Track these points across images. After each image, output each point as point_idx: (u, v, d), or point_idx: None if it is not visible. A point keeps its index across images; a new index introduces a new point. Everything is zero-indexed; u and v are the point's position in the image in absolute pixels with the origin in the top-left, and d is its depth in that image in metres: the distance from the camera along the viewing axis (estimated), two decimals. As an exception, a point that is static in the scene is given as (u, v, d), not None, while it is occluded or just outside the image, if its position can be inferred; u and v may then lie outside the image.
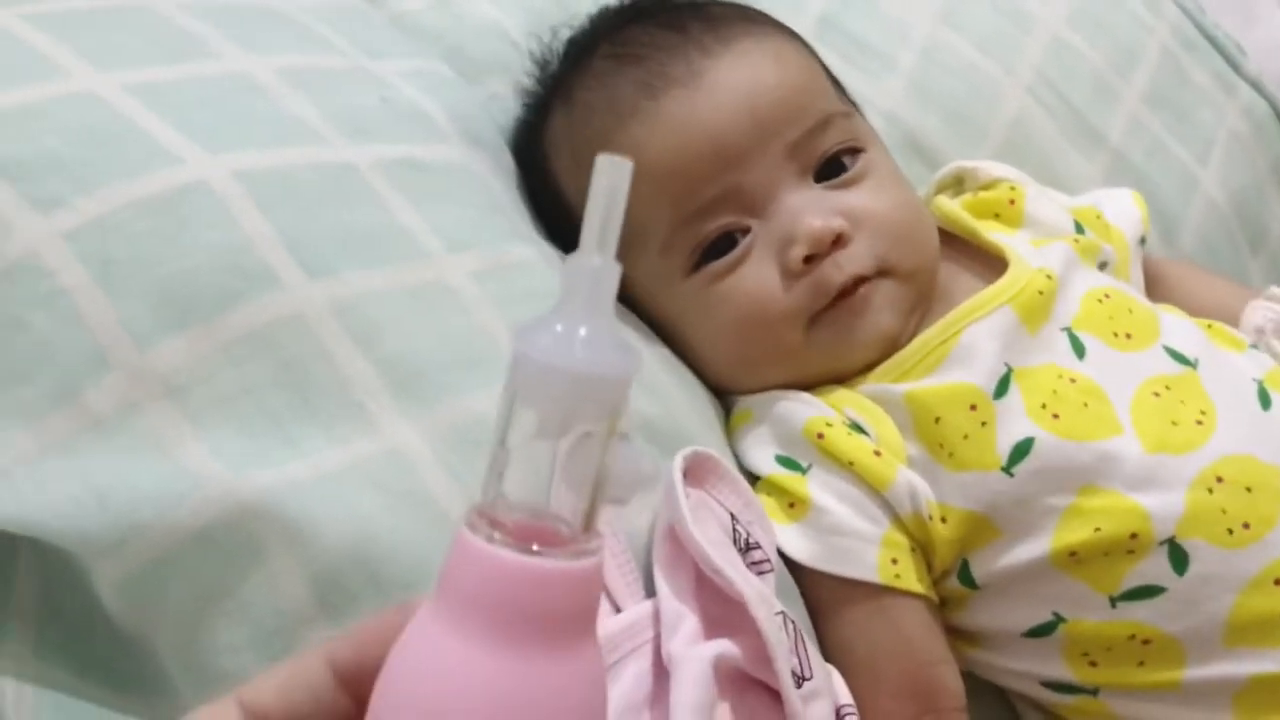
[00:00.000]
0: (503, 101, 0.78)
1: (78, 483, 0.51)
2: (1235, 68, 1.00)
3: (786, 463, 0.64)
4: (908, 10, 0.91)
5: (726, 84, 0.66)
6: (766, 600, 0.53)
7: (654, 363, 0.65)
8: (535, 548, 0.33)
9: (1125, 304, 0.69)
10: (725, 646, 0.52)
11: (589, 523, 0.34)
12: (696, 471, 0.58)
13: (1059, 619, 0.63)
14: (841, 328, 0.66)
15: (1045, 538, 0.62)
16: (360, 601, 0.51)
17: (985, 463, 0.62)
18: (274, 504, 0.51)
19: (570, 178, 0.70)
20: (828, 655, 0.61)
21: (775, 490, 0.64)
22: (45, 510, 0.51)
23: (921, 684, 0.62)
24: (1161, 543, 0.61)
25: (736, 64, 0.67)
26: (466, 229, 0.63)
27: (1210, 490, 0.61)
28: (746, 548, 0.58)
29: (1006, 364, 0.65)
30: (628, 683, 0.51)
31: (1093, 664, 0.63)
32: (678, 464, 0.56)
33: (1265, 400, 0.66)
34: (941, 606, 0.65)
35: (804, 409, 0.65)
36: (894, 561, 0.62)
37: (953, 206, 0.75)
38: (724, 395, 0.70)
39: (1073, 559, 0.61)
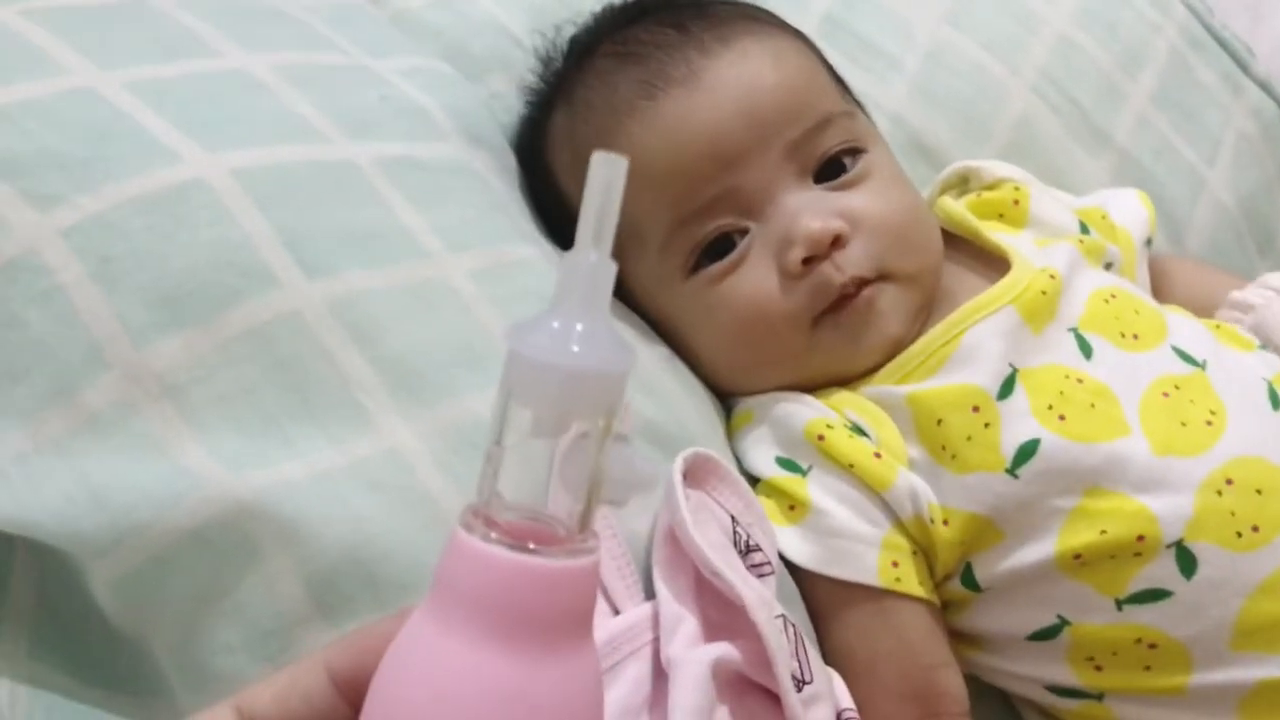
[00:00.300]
0: (504, 99, 0.77)
1: (73, 482, 0.51)
2: (1244, 68, 1.00)
3: (787, 464, 0.64)
4: (913, 10, 0.90)
5: (725, 84, 0.66)
6: (766, 603, 0.53)
7: (655, 363, 0.65)
8: (531, 546, 0.33)
9: (1132, 304, 0.69)
10: (725, 650, 0.52)
11: (585, 523, 0.34)
12: (697, 473, 0.58)
13: (1064, 622, 0.62)
14: (846, 332, 0.65)
15: (1050, 540, 0.61)
16: (357, 602, 0.51)
17: (989, 464, 0.62)
18: (271, 504, 0.51)
19: (571, 176, 0.70)
20: (829, 659, 0.61)
21: (775, 492, 0.64)
22: (40, 510, 0.50)
23: (923, 687, 0.62)
24: (1169, 546, 0.60)
25: (736, 64, 0.66)
26: (467, 228, 0.62)
27: (1219, 493, 0.61)
28: (747, 550, 0.57)
29: (1011, 364, 0.64)
30: (626, 685, 0.51)
31: (1098, 668, 0.63)
32: (678, 465, 0.56)
33: (1275, 401, 0.65)
34: (944, 609, 0.65)
35: (805, 411, 0.65)
36: (895, 564, 0.62)
37: (956, 207, 0.75)
38: (725, 396, 0.69)
39: (1078, 562, 0.61)
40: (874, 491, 0.62)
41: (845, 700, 0.57)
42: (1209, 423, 0.63)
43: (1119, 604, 0.61)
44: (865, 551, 0.62)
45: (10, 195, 0.54)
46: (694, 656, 0.51)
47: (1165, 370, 0.65)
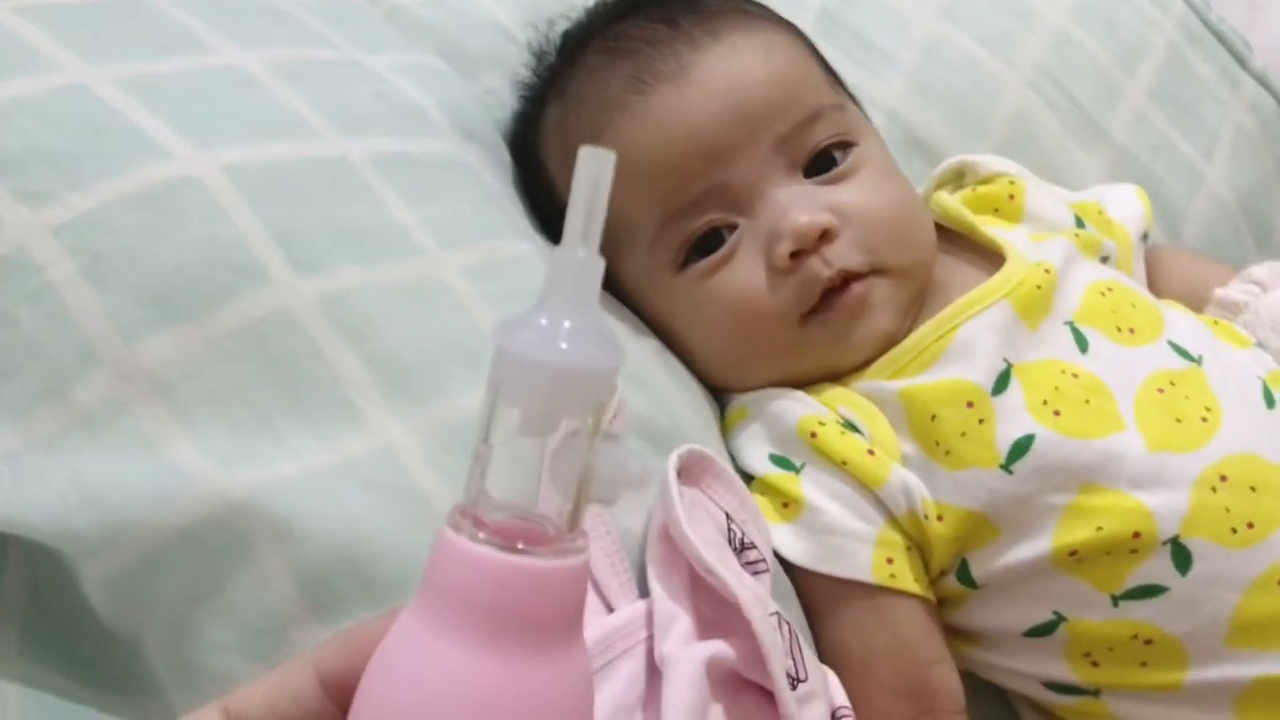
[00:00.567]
0: (498, 95, 0.77)
1: (65, 480, 0.51)
2: (1241, 63, 1.00)
3: (780, 462, 0.64)
4: (909, 5, 0.90)
5: (713, 79, 0.65)
6: (761, 601, 0.53)
7: (648, 358, 0.65)
8: (520, 546, 0.32)
9: (1128, 298, 0.69)
10: (719, 648, 0.51)
11: (574, 522, 0.34)
12: (691, 470, 0.58)
13: (1060, 618, 0.62)
14: (837, 327, 0.65)
15: (1045, 537, 0.61)
16: (349, 601, 0.51)
17: (983, 460, 0.62)
18: (263, 502, 0.51)
19: (563, 171, 0.70)
20: (824, 656, 0.61)
21: (769, 490, 0.63)
22: (32, 508, 0.50)
23: (918, 684, 0.61)
24: (1165, 542, 0.60)
25: (725, 58, 0.66)
26: (460, 224, 0.62)
27: (1214, 489, 0.61)
28: (742, 547, 0.57)
29: (1006, 359, 0.64)
30: (620, 684, 0.51)
31: (1094, 664, 0.62)
32: (672, 463, 0.56)
33: (1270, 399, 0.65)
34: (940, 606, 0.65)
35: (797, 407, 0.65)
36: (889, 561, 0.62)
37: (951, 201, 0.74)
38: (719, 392, 0.69)
39: (1073, 558, 0.61)
40: (867, 488, 0.62)
41: (840, 698, 0.57)
42: (1204, 419, 0.63)
43: (1115, 600, 0.61)
44: (859, 548, 0.62)
45: (0, 193, 0.54)
46: (688, 654, 0.50)
47: (1161, 365, 0.65)
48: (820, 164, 0.67)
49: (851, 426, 0.64)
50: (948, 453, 0.63)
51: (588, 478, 0.34)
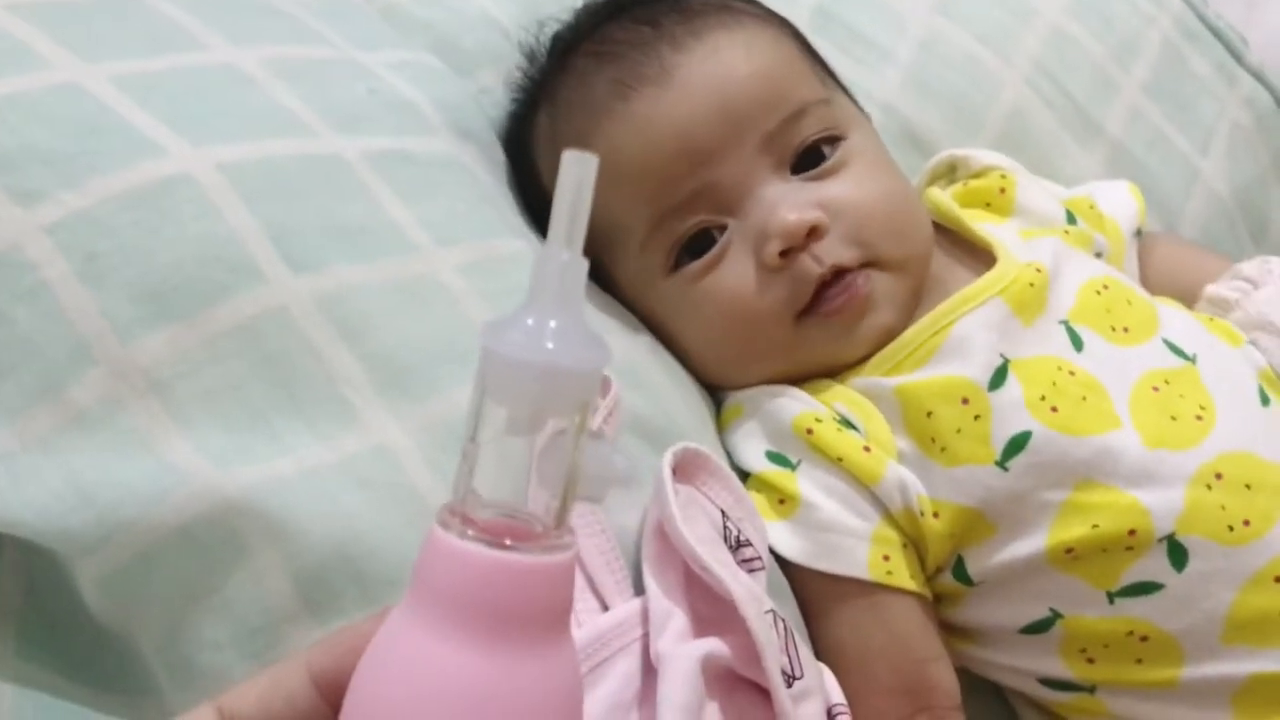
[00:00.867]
0: (493, 94, 0.77)
1: (60, 479, 0.51)
2: (1237, 58, 0.99)
3: (776, 459, 0.64)
4: (904, 1, 0.90)
5: (697, 80, 0.65)
6: (756, 598, 0.53)
7: (644, 357, 0.65)
8: (508, 543, 0.33)
9: (1124, 295, 0.69)
10: (714, 645, 0.51)
11: (561, 519, 0.34)
12: (687, 468, 0.58)
13: (1056, 615, 0.62)
14: (836, 323, 0.65)
15: (1041, 534, 0.61)
16: (345, 599, 0.51)
17: (978, 457, 0.62)
18: (258, 500, 0.51)
19: (554, 175, 0.69)
20: (820, 653, 0.61)
21: (765, 487, 0.63)
22: (26, 507, 0.50)
23: (914, 682, 0.62)
24: (1161, 539, 0.60)
25: (708, 58, 0.66)
26: (455, 222, 0.62)
27: (1209, 487, 0.61)
28: (737, 545, 0.57)
29: (1002, 355, 0.64)
30: (616, 682, 0.51)
31: (1090, 661, 0.62)
32: (667, 460, 0.56)
33: (1264, 397, 0.65)
34: (937, 602, 0.65)
35: (793, 404, 0.64)
36: (885, 558, 0.62)
37: (943, 197, 0.74)
38: (714, 390, 0.69)
39: (1069, 555, 0.61)
40: (863, 485, 0.62)
41: (836, 695, 0.57)
42: (1199, 417, 0.63)
43: (1111, 597, 0.61)
44: (856, 545, 0.62)
45: (-6, 191, 0.54)
46: (683, 652, 0.50)
47: (1155, 364, 0.65)
48: (808, 159, 0.67)
49: (848, 423, 0.64)
50: (944, 449, 0.63)
51: (574, 476, 0.34)
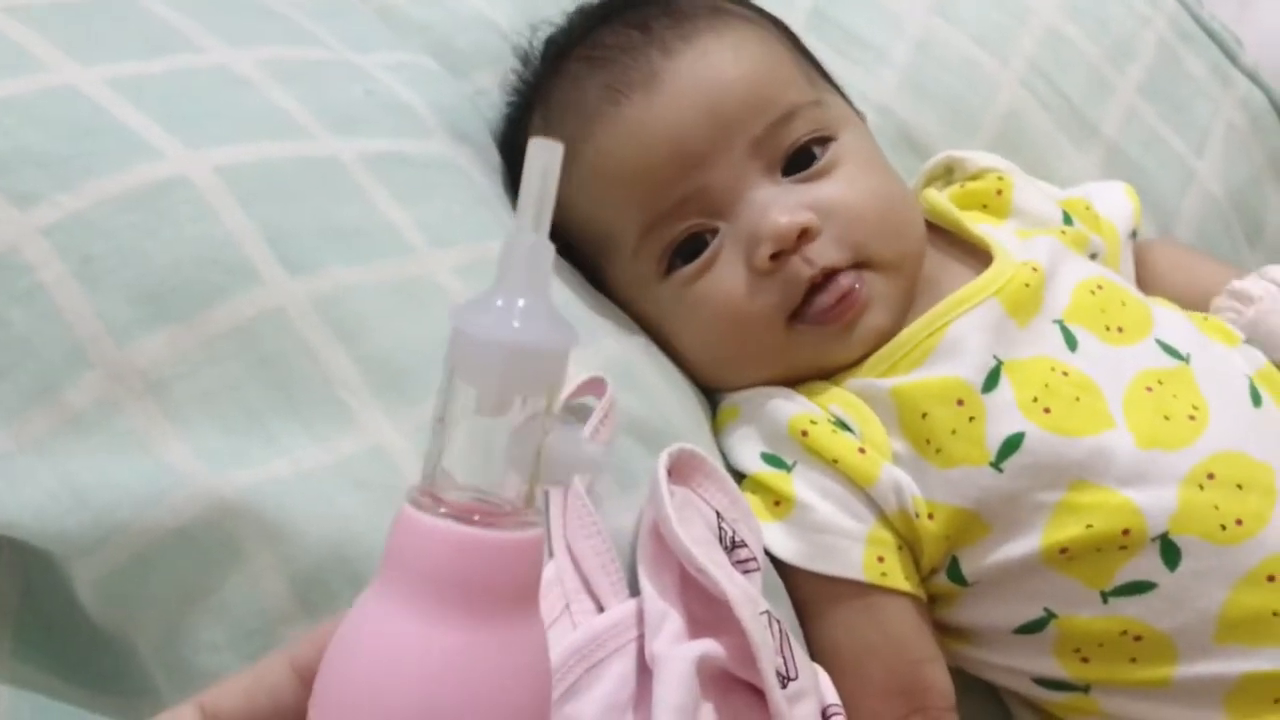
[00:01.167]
0: (489, 96, 0.77)
1: (56, 481, 0.51)
2: (1232, 59, 1.00)
3: (771, 460, 0.64)
4: (902, 2, 0.90)
5: (685, 84, 0.65)
6: (751, 600, 0.53)
7: (639, 358, 0.65)
8: (476, 518, 0.34)
9: (1118, 296, 0.69)
10: (709, 646, 0.52)
11: (529, 500, 0.35)
12: (682, 469, 0.58)
13: (1050, 615, 0.62)
14: (830, 326, 0.65)
15: (1035, 534, 0.61)
16: (341, 600, 0.51)
17: (973, 458, 0.62)
18: (255, 502, 0.51)
19: None
20: (815, 654, 0.61)
21: (760, 488, 0.63)
22: (23, 508, 0.50)
23: (909, 683, 0.62)
24: (1154, 539, 0.60)
25: (696, 62, 0.66)
26: (451, 224, 0.62)
27: (1201, 487, 0.61)
28: (732, 546, 0.57)
29: (996, 357, 0.64)
30: (611, 683, 0.51)
31: (1084, 660, 0.63)
32: (663, 462, 0.56)
33: (1256, 397, 0.65)
34: (931, 603, 0.65)
35: (788, 406, 0.65)
36: (880, 560, 0.62)
37: (939, 199, 0.75)
38: (710, 392, 0.69)
39: (1064, 556, 0.61)
40: (858, 486, 0.62)
41: (831, 696, 0.57)
42: (1192, 417, 0.63)
43: (1105, 596, 0.61)
44: (851, 546, 0.62)
45: (-10, 194, 0.54)
46: (678, 653, 0.51)
47: (1149, 364, 0.65)
48: (799, 161, 0.67)
49: (843, 425, 0.64)
50: (938, 450, 0.63)
51: (540, 457, 0.35)
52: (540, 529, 0.35)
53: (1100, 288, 0.69)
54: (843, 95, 0.74)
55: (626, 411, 0.60)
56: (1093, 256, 0.75)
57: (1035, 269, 0.67)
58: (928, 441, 0.63)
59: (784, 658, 0.53)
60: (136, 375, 0.52)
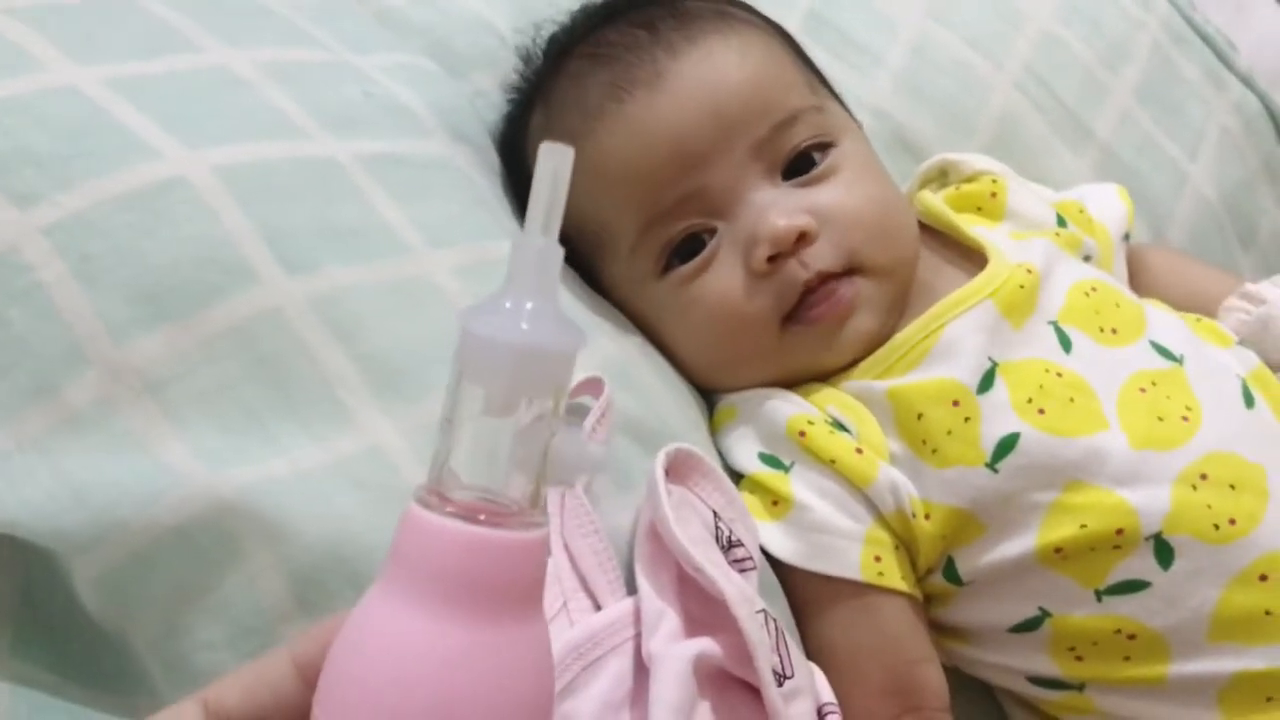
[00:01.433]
0: (488, 97, 0.77)
1: (55, 479, 0.51)
2: (1226, 63, 1.00)
3: (769, 460, 0.64)
4: (896, 6, 0.91)
5: (689, 84, 0.66)
6: (748, 599, 0.53)
7: (636, 358, 0.65)
8: (482, 518, 0.34)
9: (1112, 298, 0.69)
10: (706, 645, 0.52)
11: (535, 500, 0.35)
12: (679, 469, 0.58)
13: (1045, 614, 0.62)
14: (819, 330, 0.65)
15: (1030, 534, 0.61)
16: (339, 600, 0.51)
17: (969, 459, 0.62)
18: (253, 501, 0.51)
19: None
20: (811, 653, 0.61)
21: (758, 488, 0.64)
22: (22, 507, 0.50)
23: (904, 682, 0.62)
24: (1148, 538, 0.61)
25: (701, 63, 0.66)
26: (449, 224, 0.62)
27: (1195, 487, 0.61)
28: (729, 545, 0.57)
29: (990, 358, 0.64)
30: (608, 681, 0.51)
31: (1079, 659, 0.63)
32: (660, 461, 0.56)
33: (1249, 398, 0.66)
34: (927, 603, 0.65)
35: (786, 407, 0.65)
36: (877, 559, 0.62)
37: (934, 201, 0.75)
38: (707, 393, 0.70)
39: (1058, 555, 0.61)
40: (856, 487, 0.62)
41: (826, 695, 0.57)
42: (1185, 418, 0.64)
43: (1099, 595, 0.61)
44: (848, 546, 0.62)
45: (-11, 193, 0.54)
46: (675, 652, 0.51)
47: (1143, 365, 0.66)
48: (799, 166, 0.67)
49: (840, 426, 0.64)
50: (934, 451, 0.63)
51: (547, 459, 0.35)
52: (545, 529, 0.35)
53: (1094, 290, 0.69)
54: (841, 101, 0.75)
55: (623, 411, 0.61)
56: (1086, 259, 0.75)
57: (1030, 271, 0.67)
58: (924, 442, 0.63)
59: (780, 656, 0.53)
60: (135, 374, 0.52)
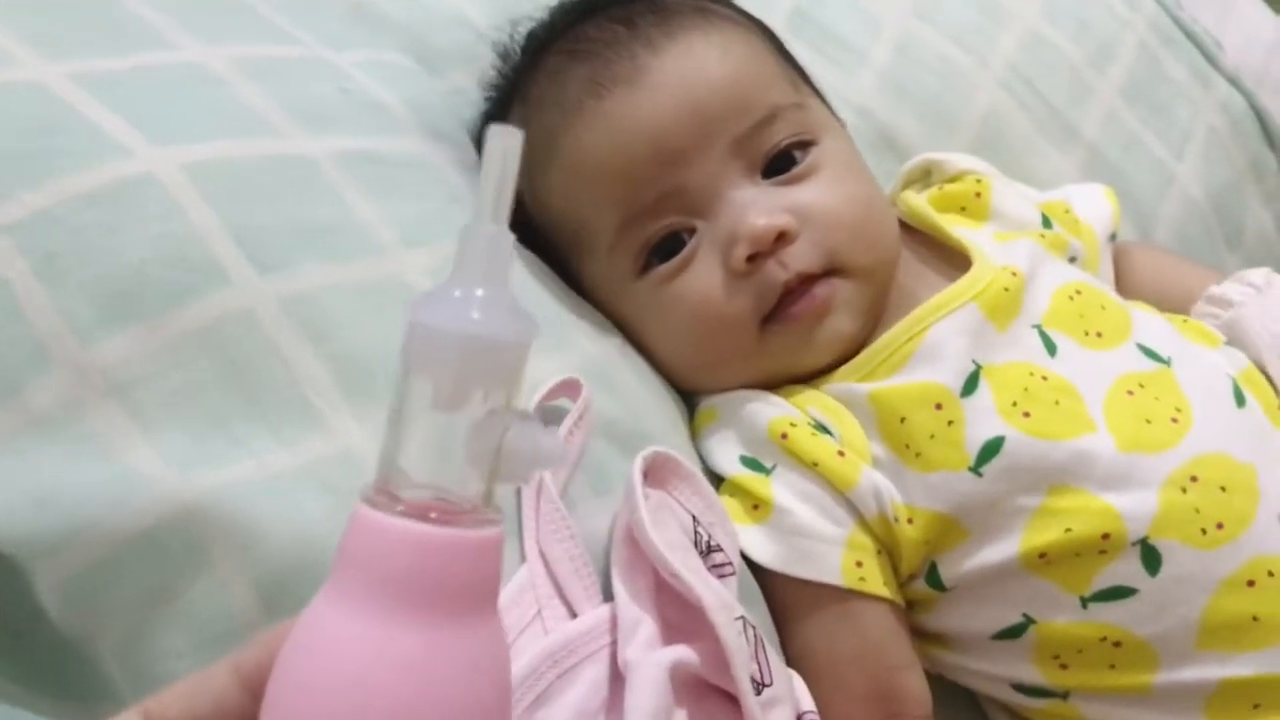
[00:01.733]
0: (465, 94, 0.76)
1: (18, 483, 0.50)
2: (1213, 63, 1.00)
3: (750, 463, 0.63)
4: (881, 3, 0.90)
5: (669, 81, 0.65)
6: (726, 605, 0.52)
7: (616, 360, 0.64)
8: (433, 516, 0.33)
9: (1097, 300, 0.69)
10: (683, 652, 0.51)
11: (488, 498, 0.34)
12: (658, 472, 0.58)
13: (1029, 620, 0.62)
14: (795, 331, 0.65)
15: (1014, 539, 0.61)
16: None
17: (952, 463, 0.61)
18: (220, 506, 0.50)
19: (523, 175, 0.69)
20: (791, 659, 0.61)
21: (739, 491, 0.63)
22: None
23: (885, 689, 0.61)
24: (1134, 543, 0.60)
25: (680, 59, 0.66)
26: (424, 223, 0.61)
27: (1184, 490, 0.61)
28: (708, 550, 0.57)
29: (975, 361, 0.64)
30: (583, 689, 0.50)
31: (1063, 666, 0.62)
32: (638, 465, 0.55)
33: (1240, 398, 0.65)
34: (909, 609, 0.64)
35: (768, 409, 0.64)
36: (858, 564, 0.61)
37: (918, 202, 0.74)
38: (688, 394, 0.69)
39: (1042, 560, 0.61)
40: (838, 490, 0.62)
41: (806, 702, 0.56)
42: (1174, 420, 0.63)
43: (1084, 602, 0.61)
44: (829, 551, 0.61)
45: (-48, 191, 0.53)
46: (651, 659, 0.50)
47: (1129, 368, 0.65)
48: (779, 164, 0.66)
49: (822, 428, 0.64)
50: (918, 455, 0.62)
51: (499, 454, 0.34)
52: (500, 527, 0.34)
53: (1079, 293, 0.68)
54: (823, 99, 0.74)
55: (602, 413, 0.60)
56: (1071, 259, 0.74)
57: (1015, 274, 0.66)
58: (907, 446, 0.63)
59: (758, 664, 0.52)
60: (100, 376, 0.51)
